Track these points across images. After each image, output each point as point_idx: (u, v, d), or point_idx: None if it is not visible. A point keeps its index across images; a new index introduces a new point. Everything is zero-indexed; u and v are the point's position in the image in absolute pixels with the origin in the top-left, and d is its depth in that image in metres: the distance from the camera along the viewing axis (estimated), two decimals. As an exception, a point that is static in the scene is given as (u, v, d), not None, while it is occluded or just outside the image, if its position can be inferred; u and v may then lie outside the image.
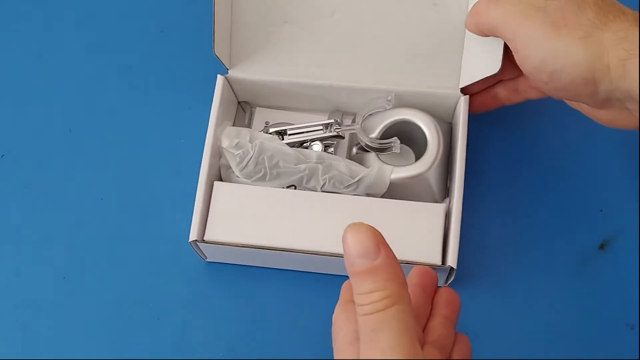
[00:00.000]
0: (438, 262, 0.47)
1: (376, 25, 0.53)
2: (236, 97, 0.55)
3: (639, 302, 0.51)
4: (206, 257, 0.51)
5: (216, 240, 0.48)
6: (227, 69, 0.52)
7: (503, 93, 0.51)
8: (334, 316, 0.38)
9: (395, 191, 0.49)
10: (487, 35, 0.45)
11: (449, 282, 0.49)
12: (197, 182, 0.49)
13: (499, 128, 0.56)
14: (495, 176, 0.55)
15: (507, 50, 0.45)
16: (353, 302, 0.35)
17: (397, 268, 0.33)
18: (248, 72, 0.53)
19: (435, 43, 0.52)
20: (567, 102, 0.47)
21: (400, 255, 0.44)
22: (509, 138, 0.56)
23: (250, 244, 0.47)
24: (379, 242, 0.32)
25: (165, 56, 0.60)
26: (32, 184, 0.56)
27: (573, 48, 0.38)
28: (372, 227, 0.33)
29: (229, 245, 0.48)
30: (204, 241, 0.48)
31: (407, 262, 0.46)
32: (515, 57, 0.43)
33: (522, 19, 0.41)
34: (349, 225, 0.33)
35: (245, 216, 0.48)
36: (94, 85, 0.59)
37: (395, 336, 0.32)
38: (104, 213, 0.54)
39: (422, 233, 0.47)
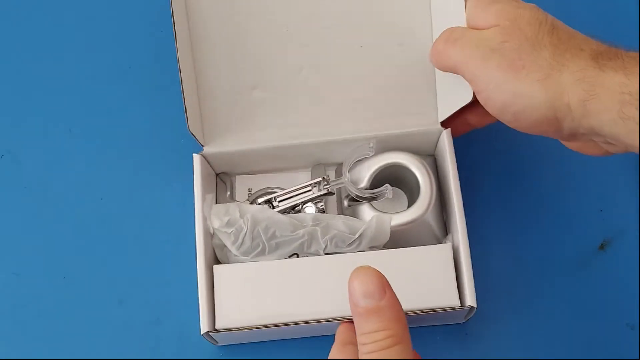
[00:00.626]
0: (457, 303, 0.46)
1: (346, 74, 0.52)
2: (213, 169, 0.53)
3: (639, 302, 0.51)
4: (217, 343, 0.49)
5: (228, 327, 0.46)
6: (202, 146, 0.51)
7: (473, 118, 0.50)
8: (330, 357, 0.38)
9: (396, 238, 0.48)
10: (450, 72, 0.45)
11: (467, 319, 0.49)
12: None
13: (493, 134, 0.56)
14: (492, 181, 0.55)
15: None
16: (350, 344, 0.36)
17: (401, 311, 0.34)
18: (224, 144, 0.51)
19: (407, 82, 0.52)
20: None
21: (417, 304, 0.46)
22: (507, 141, 0.56)
23: (264, 324, 0.46)
24: (384, 284, 0.34)
25: (165, 56, 0.60)
26: (32, 184, 0.56)
27: (532, 90, 0.38)
28: (377, 270, 0.34)
29: (243, 329, 0.46)
30: (215, 330, 0.46)
31: (427, 311, 0.46)
32: (477, 97, 0.42)
33: (480, 62, 0.40)
34: (356, 268, 0.35)
35: (252, 296, 0.47)
36: (94, 85, 0.59)
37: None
38: (104, 213, 0.54)
39: (435, 277, 0.47)
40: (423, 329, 0.50)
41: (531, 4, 0.42)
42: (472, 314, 0.47)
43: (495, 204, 0.54)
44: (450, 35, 0.43)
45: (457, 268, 0.47)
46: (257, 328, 0.46)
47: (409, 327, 0.50)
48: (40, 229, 0.54)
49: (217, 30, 0.51)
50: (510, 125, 0.42)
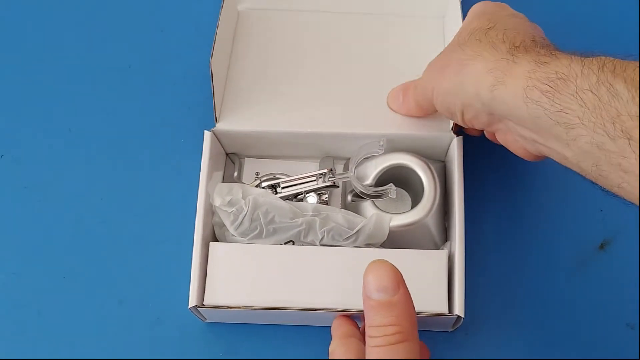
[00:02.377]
0: (445, 311, 0.46)
1: (365, 69, 0.54)
2: (224, 149, 0.54)
3: (639, 302, 0.51)
4: (205, 319, 0.50)
5: (216, 304, 0.47)
6: (215, 122, 0.52)
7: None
8: (331, 349, 0.38)
9: (394, 238, 0.48)
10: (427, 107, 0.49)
11: (455, 328, 0.49)
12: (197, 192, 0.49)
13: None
14: (493, 180, 0.55)
15: None
16: (352, 336, 0.36)
17: (412, 309, 0.35)
18: (236, 124, 0.52)
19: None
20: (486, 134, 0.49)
21: None
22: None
23: (251, 305, 0.46)
24: (399, 280, 0.35)
25: (164, 55, 0.60)
26: (32, 184, 0.56)
27: (451, 82, 0.42)
28: (393, 265, 0.35)
29: (230, 308, 0.47)
30: (203, 306, 0.46)
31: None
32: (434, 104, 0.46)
33: (427, 80, 0.46)
34: (372, 262, 0.35)
35: (244, 276, 0.47)
36: (94, 85, 0.59)
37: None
38: (103, 213, 0.54)
39: (426, 282, 0.47)
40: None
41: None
42: (460, 324, 0.47)
43: (496, 203, 0.54)
44: (420, 82, 0.48)
45: (451, 275, 0.47)
46: (244, 308, 0.46)
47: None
48: (40, 229, 0.54)
49: (258, 31, 0.57)
50: (458, 122, 0.45)
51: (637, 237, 0.53)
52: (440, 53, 0.45)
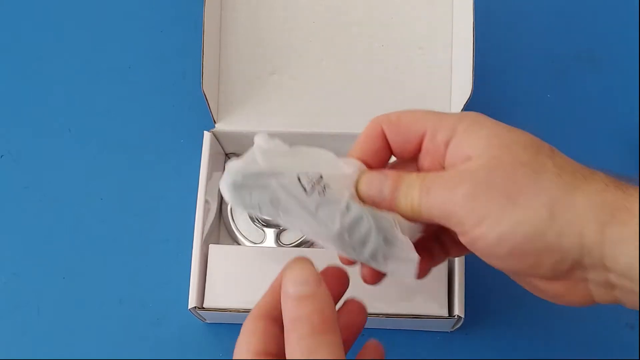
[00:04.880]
0: (445, 313, 0.46)
1: (364, 70, 0.53)
2: (223, 149, 0.54)
3: (638, 302, 0.51)
4: (205, 319, 0.50)
5: (216, 307, 0.47)
6: (214, 123, 0.52)
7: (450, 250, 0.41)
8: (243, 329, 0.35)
9: None
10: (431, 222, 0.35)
11: (455, 328, 0.49)
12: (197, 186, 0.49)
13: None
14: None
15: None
16: (265, 318, 0.34)
17: (334, 306, 0.33)
18: (236, 124, 0.52)
19: (423, 85, 0.53)
20: (511, 276, 0.37)
21: (405, 309, 0.46)
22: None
23: (251, 308, 0.46)
24: (320, 278, 0.33)
25: (165, 55, 0.60)
26: (32, 184, 0.56)
27: (538, 216, 0.32)
28: (312, 264, 0.33)
29: (230, 311, 0.46)
30: (203, 308, 0.46)
31: (414, 316, 0.46)
32: (460, 239, 0.34)
33: (465, 201, 0.33)
34: (293, 259, 0.33)
35: (244, 278, 0.47)
36: (94, 85, 0.59)
37: (332, 355, 0.31)
38: (103, 213, 0.54)
39: (426, 284, 0.46)
40: (425, 333, 0.50)
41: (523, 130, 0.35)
42: (460, 324, 0.47)
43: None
44: (420, 186, 0.35)
45: (451, 276, 0.47)
46: (244, 311, 0.46)
47: (395, 330, 0.50)
48: (40, 229, 0.54)
49: (246, 14, 0.53)
50: (499, 264, 0.34)
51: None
52: (490, 172, 0.33)
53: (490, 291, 0.51)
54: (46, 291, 0.52)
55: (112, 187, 0.55)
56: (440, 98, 0.52)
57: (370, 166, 0.37)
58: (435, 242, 0.40)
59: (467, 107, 0.48)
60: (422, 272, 0.40)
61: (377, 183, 0.36)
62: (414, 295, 0.46)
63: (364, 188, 0.36)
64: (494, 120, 0.35)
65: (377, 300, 0.46)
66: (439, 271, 0.47)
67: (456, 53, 0.52)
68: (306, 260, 0.33)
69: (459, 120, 0.35)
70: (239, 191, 0.36)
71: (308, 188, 0.35)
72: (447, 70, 0.52)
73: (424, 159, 0.37)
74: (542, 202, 0.32)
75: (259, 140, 0.37)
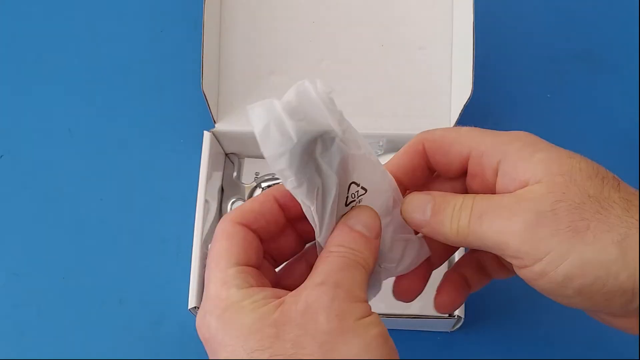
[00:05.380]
0: (445, 313, 0.46)
1: (365, 70, 0.53)
2: (223, 149, 0.54)
3: (638, 302, 0.51)
4: None
5: None
6: (214, 123, 0.52)
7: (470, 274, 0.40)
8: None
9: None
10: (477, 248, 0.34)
11: (455, 328, 0.49)
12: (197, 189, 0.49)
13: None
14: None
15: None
16: (242, 225, 0.33)
17: (375, 260, 0.33)
18: (236, 124, 0.52)
19: (423, 85, 0.52)
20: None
21: (405, 309, 0.45)
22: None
23: None
24: (380, 232, 0.33)
25: (164, 55, 0.60)
26: (32, 184, 0.56)
27: (609, 255, 0.29)
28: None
29: None
30: None
31: (414, 316, 0.46)
32: (518, 272, 0.32)
33: (525, 233, 0.30)
34: (361, 206, 0.33)
35: None
36: (94, 85, 0.59)
37: (361, 278, 0.31)
38: (103, 213, 0.54)
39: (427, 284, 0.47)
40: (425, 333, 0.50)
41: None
42: (460, 324, 0.47)
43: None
44: (471, 210, 0.32)
45: None
46: None
47: (395, 330, 0.50)
48: (40, 229, 0.54)
49: (246, 14, 0.53)
50: (563, 302, 0.32)
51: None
52: (555, 202, 0.31)
53: (490, 291, 0.51)
54: (46, 291, 0.52)
55: (112, 187, 0.55)
56: (440, 98, 0.52)
57: (402, 183, 0.36)
58: (475, 268, 0.40)
59: (467, 107, 0.48)
60: (448, 304, 0.40)
61: (421, 203, 0.34)
62: None
63: (407, 208, 0.34)
64: (549, 143, 0.33)
65: (377, 301, 0.46)
66: (439, 271, 0.47)
67: (456, 53, 0.52)
68: (374, 212, 0.33)
69: (508, 141, 0.33)
70: (303, 155, 0.29)
71: (349, 200, 0.33)
72: (447, 70, 0.52)
73: (472, 181, 0.35)
74: (612, 239, 0.30)
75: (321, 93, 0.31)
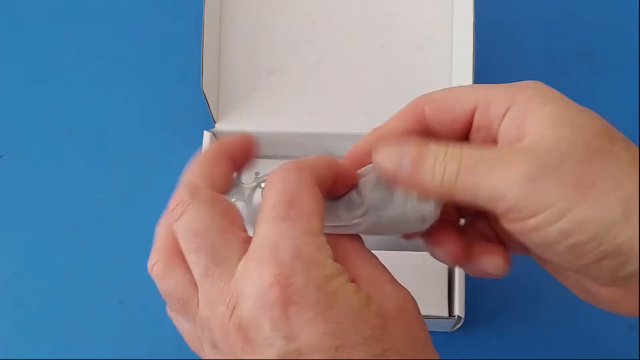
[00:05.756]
0: (445, 313, 0.46)
1: (364, 70, 0.53)
2: None
3: (639, 302, 0.51)
4: None
5: None
6: (214, 123, 0.52)
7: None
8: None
9: (394, 241, 0.48)
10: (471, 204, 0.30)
11: (455, 328, 0.49)
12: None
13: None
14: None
15: None
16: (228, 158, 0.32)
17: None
18: (236, 124, 0.52)
19: (423, 85, 0.52)
20: (556, 272, 0.34)
21: None
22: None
23: None
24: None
25: (164, 55, 0.60)
26: (32, 184, 0.56)
27: (610, 214, 0.28)
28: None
29: None
30: None
31: None
32: (507, 225, 0.30)
33: (529, 184, 0.28)
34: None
35: None
36: (93, 84, 0.59)
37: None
38: (103, 213, 0.54)
39: (427, 283, 0.47)
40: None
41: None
42: (460, 324, 0.47)
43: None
44: (460, 160, 0.29)
45: (451, 276, 0.47)
46: None
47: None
48: (40, 229, 0.54)
49: (246, 14, 0.54)
50: (549, 257, 0.31)
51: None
52: (562, 154, 0.29)
53: (490, 291, 0.51)
54: (46, 291, 0.52)
55: (112, 187, 0.55)
56: None
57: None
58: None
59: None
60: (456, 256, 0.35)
61: (396, 152, 0.31)
62: (413, 295, 0.46)
63: (381, 158, 0.31)
64: (561, 95, 0.31)
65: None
66: (439, 271, 0.47)
67: (456, 53, 0.52)
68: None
69: (519, 90, 0.31)
70: None
71: None
72: (447, 70, 0.52)
73: (476, 135, 0.33)
74: (617, 197, 0.28)
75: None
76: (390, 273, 0.30)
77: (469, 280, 0.46)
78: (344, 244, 0.31)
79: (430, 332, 0.50)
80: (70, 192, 0.55)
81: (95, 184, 0.55)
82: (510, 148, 0.30)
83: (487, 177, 0.29)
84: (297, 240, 0.27)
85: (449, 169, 0.29)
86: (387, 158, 0.31)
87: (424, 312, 0.46)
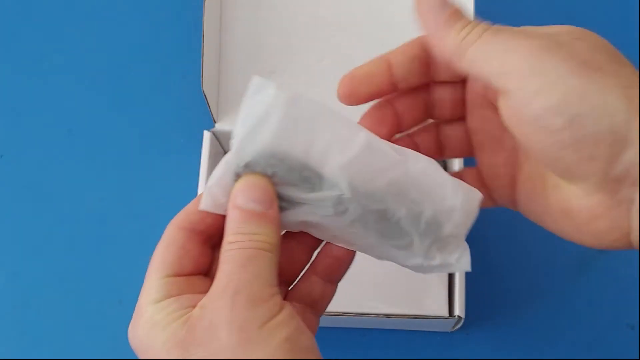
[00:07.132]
0: (445, 313, 0.46)
1: (365, 47, 0.53)
2: (224, 149, 0.54)
3: (639, 303, 0.51)
4: None
5: None
6: (214, 123, 0.52)
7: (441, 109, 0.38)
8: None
9: None
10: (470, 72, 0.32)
11: (455, 328, 0.49)
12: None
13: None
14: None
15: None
16: (186, 229, 0.32)
17: (280, 232, 0.31)
18: (236, 124, 0.52)
19: None
20: (524, 213, 0.36)
21: (405, 309, 0.46)
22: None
23: None
24: (274, 199, 0.31)
25: (164, 55, 0.60)
26: (32, 184, 0.56)
27: (609, 93, 0.29)
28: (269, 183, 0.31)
29: None
30: None
31: (414, 316, 0.46)
32: (505, 101, 0.31)
33: (538, 52, 0.30)
34: (244, 176, 0.31)
35: None
36: (93, 85, 0.59)
37: (267, 268, 0.29)
38: (103, 213, 0.54)
39: (427, 284, 0.47)
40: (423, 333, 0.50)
41: None
42: (460, 324, 0.47)
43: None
44: (484, 30, 0.32)
45: (451, 276, 0.47)
46: None
47: (396, 330, 0.50)
48: (40, 229, 0.54)
49: (246, 14, 0.54)
50: (546, 141, 0.30)
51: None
52: (574, 39, 0.31)
53: (490, 291, 0.51)
54: (46, 291, 0.52)
55: (112, 187, 0.55)
56: None
57: (394, 77, 0.37)
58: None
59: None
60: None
61: (441, 4, 0.33)
62: (414, 295, 0.46)
63: (424, 7, 0.33)
64: None
65: (377, 301, 0.46)
66: (439, 273, 0.47)
67: (456, 53, 0.52)
68: (260, 178, 0.31)
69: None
70: None
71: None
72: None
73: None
74: (620, 83, 0.29)
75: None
76: None
77: (469, 280, 0.46)
78: None
79: (431, 332, 0.51)
80: (70, 192, 0.55)
81: (95, 184, 0.55)
82: (528, 28, 0.32)
83: (504, 43, 0.31)
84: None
85: (471, 36, 0.31)
86: (430, 2, 0.33)
87: (424, 312, 0.46)
